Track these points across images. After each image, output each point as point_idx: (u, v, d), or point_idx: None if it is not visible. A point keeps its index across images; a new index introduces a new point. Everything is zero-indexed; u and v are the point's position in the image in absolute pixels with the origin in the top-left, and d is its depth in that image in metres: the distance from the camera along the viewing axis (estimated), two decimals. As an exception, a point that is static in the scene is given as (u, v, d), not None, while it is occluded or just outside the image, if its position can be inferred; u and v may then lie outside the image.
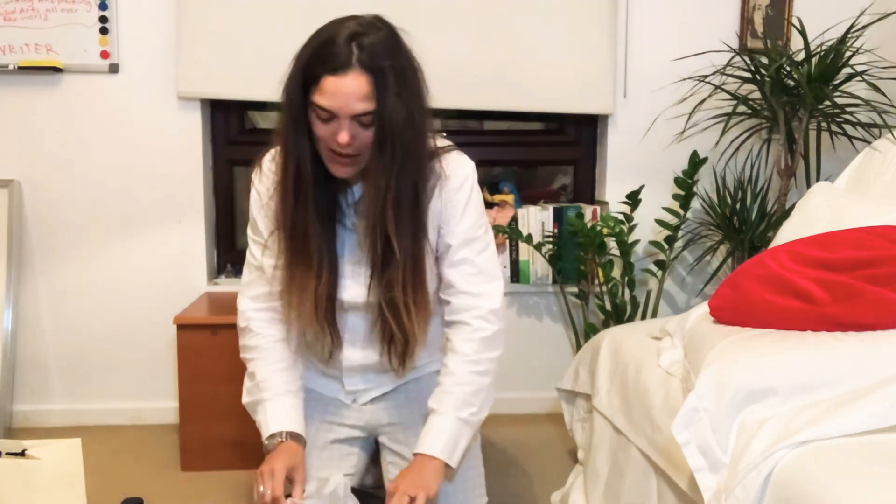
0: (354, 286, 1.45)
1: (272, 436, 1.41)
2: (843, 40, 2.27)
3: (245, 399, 1.50)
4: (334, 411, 1.57)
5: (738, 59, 2.46)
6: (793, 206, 2.09)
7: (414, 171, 1.35)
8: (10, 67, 2.45)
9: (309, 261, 1.39)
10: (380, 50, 1.26)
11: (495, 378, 1.49)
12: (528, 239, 2.56)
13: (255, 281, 1.51)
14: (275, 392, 1.45)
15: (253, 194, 1.51)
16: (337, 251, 1.44)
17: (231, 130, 2.72)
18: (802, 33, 2.35)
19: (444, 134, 1.47)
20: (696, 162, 2.50)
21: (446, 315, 1.49)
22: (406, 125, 1.29)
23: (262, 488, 1.29)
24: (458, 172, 1.44)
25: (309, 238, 1.38)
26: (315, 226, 1.37)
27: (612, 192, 2.70)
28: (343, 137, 1.27)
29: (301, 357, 1.56)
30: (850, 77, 2.31)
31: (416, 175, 1.36)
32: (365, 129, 1.29)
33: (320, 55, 1.26)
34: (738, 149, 2.60)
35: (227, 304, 2.42)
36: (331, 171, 1.35)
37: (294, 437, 1.41)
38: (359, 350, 1.53)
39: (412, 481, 1.32)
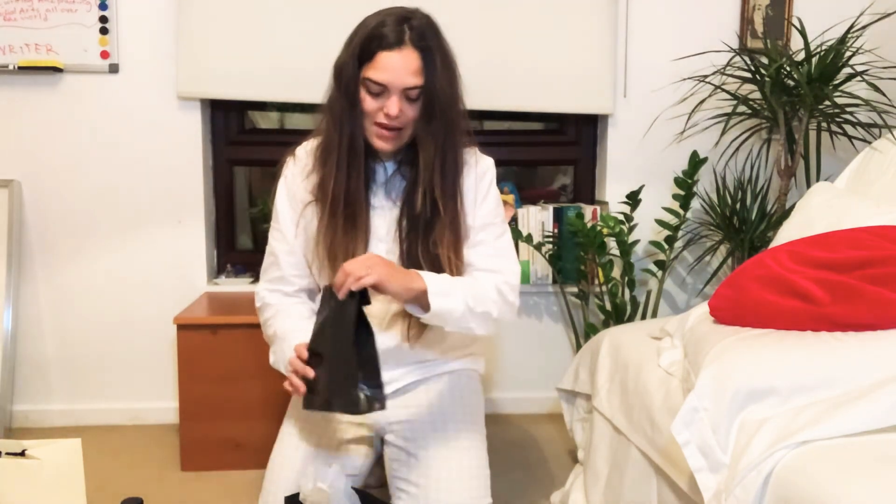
0: None
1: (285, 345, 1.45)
2: (843, 40, 2.27)
3: (271, 359, 1.54)
4: None
5: (738, 59, 2.46)
6: (793, 206, 2.09)
7: (456, 143, 1.48)
8: (10, 67, 2.45)
9: (354, 230, 1.47)
10: (427, 32, 1.39)
11: (491, 326, 1.50)
12: (528, 239, 2.56)
13: (271, 266, 1.60)
14: (294, 339, 1.47)
15: (280, 181, 1.58)
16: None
17: (231, 130, 2.72)
18: (802, 33, 2.35)
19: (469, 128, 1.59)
20: (696, 162, 2.50)
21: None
22: (450, 102, 1.43)
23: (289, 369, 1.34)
24: (483, 162, 1.57)
25: (359, 207, 1.47)
26: (363, 195, 1.47)
27: (612, 192, 2.70)
28: (392, 109, 1.37)
29: None
30: (850, 77, 2.31)
31: (458, 148, 1.49)
32: (411, 103, 1.40)
33: (374, 34, 1.37)
34: (738, 149, 2.60)
35: (227, 304, 2.42)
36: (374, 145, 1.44)
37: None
38: (376, 335, 1.54)
39: (384, 266, 1.32)
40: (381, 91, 1.38)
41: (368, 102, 1.40)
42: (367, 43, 1.37)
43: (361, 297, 1.30)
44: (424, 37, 1.38)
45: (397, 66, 1.36)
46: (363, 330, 1.31)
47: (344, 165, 1.44)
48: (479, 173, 1.55)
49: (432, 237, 1.47)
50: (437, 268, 1.47)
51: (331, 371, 1.27)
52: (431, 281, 1.37)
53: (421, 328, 1.53)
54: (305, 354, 1.34)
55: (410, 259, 1.48)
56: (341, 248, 1.47)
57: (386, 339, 1.56)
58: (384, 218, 1.51)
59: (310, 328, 1.45)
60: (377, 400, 1.27)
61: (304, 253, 1.57)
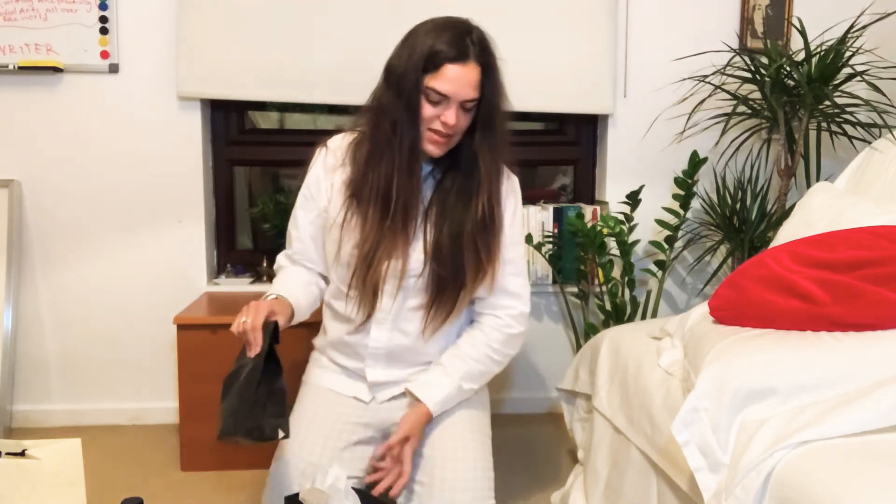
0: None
1: (266, 296, 1.52)
2: (843, 40, 2.27)
3: None
4: (350, 412, 1.59)
5: (738, 59, 2.46)
6: (793, 206, 2.09)
7: (505, 152, 1.58)
8: (10, 67, 2.45)
9: (405, 234, 1.50)
10: (486, 46, 1.47)
11: (492, 376, 1.64)
12: (528, 239, 2.56)
13: (292, 241, 1.66)
14: (280, 286, 1.58)
15: (316, 169, 1.60)
16: None
17: (231, 130, 2.72)
18: (802, 33, 2.35)
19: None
20: (696, 162, 2.50)
21: (478, 307, 1.62)
22: (503, 113, 1.52)
23: (244, 318, 1.39)
24: (513, 177, 1.64)
25: (414, 211, 1.51)
26: (419, 200, 1.52)
27: (612, 192, 2.70)
28: (451, 119, 1.43)
29: (327, 355, 1.68)
30: (850, 77, 2.31)
31: (505, 157, 1.58)
32: (466, 113, 1.47)
33: (441, 46, 1.42)
34: (738, 149, 2.60)
35: (227, 304, 2.42)
36: (425, 149, 1.49)
37: (286, 300, 1.51)
38: (386, 331, 1.57)
39: (417, 434, 1.51)
40: (440, 100, 1.43)
41: (427, 110, 1.44)
42: (433, 54, 1.41)
43: (273, 335, 1.41)
44: (485, 52, 1.45)
45: (461, 79, 1.42)
46: (273, 365, 1.40)
47: (404, 170, 1.47)
48: (512, 189, 1.61)
49: (489, 243, 1.53)
50: (461, 274, 1.51)
51: (240, 400, 1.34)
52: (433, 405, 1.53)
53: (437, 325, 1.56)
54: (260, 321, 1.38)
55: (438, 261, 1.51)
56: (384, 251, 1.50)
57: (397, 336, 1.57)
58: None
59: (300, 291, 1.57)
60: (280, 427, 1.36)
61: (321, 240, 1.61)
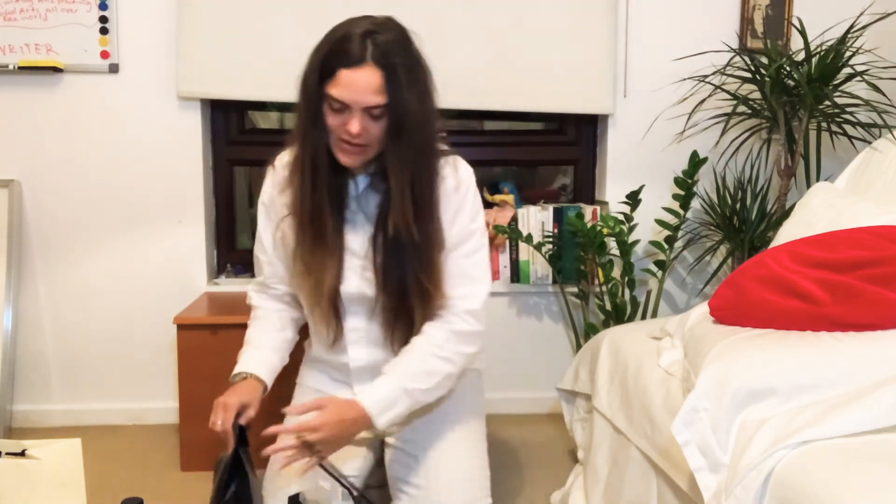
0: (353, 277, 1.49)
1: (237, 374, 1.48)
2: (843, 40, 2.27)
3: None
4: None
5: (738, 59, 2.46)
6: (793, 206, 2.09)
7: (428, 162, 1.43)
8: (10, 67, 2.45)
9: (325, 244, 1.45)
10: (393, 48, 1.33)
11: (460, 371, 1.50)
12: (528, 239, 2.56)
13: (257, 270, 1.64)
14: (254, 346, 1.55)
15: (267, 188, 1.57)
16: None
17: (231, 130, 2.72)
18: (802, 33, 2.35)
19: (446, 135, 1.52)
20: (696, 162, 2.50)
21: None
22: (420, 119, 1.37)
23: (215, 420, 1.37)
24: (455, 175, 1.48)
25: (325, 222, 1.44)
26: (329, 210, 1.44)
27: (612, 192, 2.70)
28: (353, 127, 1.33)
29: (314, 364, 1.65)
30: (850, 77, 2.31)
31: (432, 166, 1.44)
32: (375, 121, 1.35)
33: (336, 50, 1.33)
34: (738, 149, 2.60)
35: (227, 304, 2.42)
36: (338, 160, 1.40)
37: (256, 378, 1.48)
38: (363, 348, 1.55)
39: (332, 423, 1.33)
40: (342, 108, 1.34)
41: (331, 118, 1.36)
42: (328, 58, 1.33)
43: (240, 437, 1.39)
44: (388, 54, 1.31)
45: (357, 85, 1.31)
46: (237, 470, 1.39)
47: (309, 180, 1.42)
48: (448, 189, 1.46)
49: (410, 262, 1.43)
50: (409, 292, 1.44)
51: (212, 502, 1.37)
52: (371, 405, 1.36)
53: (402, 343, 1.49)
54: (229, 424, 1.36)
55: (388, 279, 1.45)
56: (314, 265, 1.45)
57: (375, 352, 1.55)
58: (357, 233, 1.48)
59: (273, 339, 1.55)
60: None
61: (285, 264, 1.57)
